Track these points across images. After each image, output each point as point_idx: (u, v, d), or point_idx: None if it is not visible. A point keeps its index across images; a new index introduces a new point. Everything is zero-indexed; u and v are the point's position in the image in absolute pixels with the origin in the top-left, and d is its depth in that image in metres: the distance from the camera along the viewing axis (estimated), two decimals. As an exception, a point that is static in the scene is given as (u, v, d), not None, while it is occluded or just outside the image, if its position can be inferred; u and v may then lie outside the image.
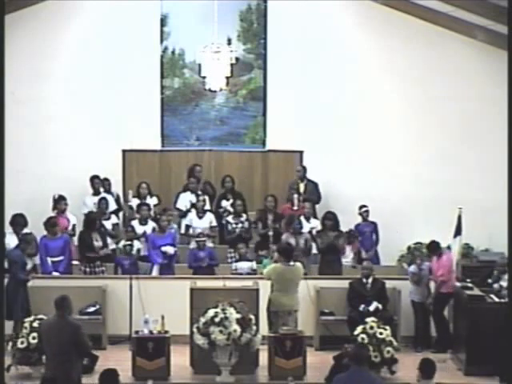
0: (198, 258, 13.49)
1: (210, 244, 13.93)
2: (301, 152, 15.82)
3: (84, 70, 15.53)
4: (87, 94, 15.55)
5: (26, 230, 13.27)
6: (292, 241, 13.42)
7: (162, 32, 15.82)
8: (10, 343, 11.26)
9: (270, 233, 14.15)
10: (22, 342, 11.20)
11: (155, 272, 13.47)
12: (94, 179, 14.86)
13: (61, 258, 13.25)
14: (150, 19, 15.65)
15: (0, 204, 11.76)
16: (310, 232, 13.96)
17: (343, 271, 13.67)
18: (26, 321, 11.45)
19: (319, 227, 14.15)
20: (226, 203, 14.82)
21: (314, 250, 13.94)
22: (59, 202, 14.23)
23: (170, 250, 13.45)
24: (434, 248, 12.75)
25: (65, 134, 15.59)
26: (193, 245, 14.09)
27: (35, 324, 11.28)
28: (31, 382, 10.88)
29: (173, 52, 15.98)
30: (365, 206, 14.55)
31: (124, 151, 15.73)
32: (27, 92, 15.36)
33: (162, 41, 15.85)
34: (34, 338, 11.14)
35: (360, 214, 14.55)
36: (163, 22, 15.83)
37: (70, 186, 14.77)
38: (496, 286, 12.29)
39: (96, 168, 15.02)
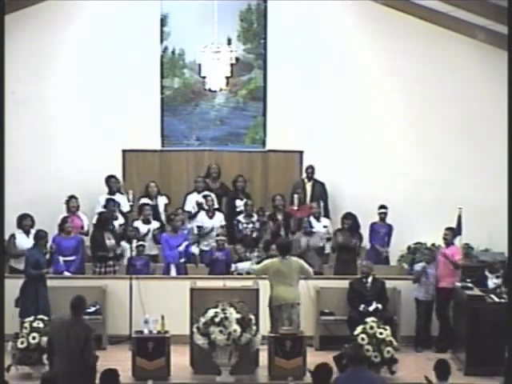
0: (215, 258, 13.55)
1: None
2: (301, 152, 15.82)
3: (84, 70, 15.52)
4: (87, 93, 15.54)
5: (32, 230, 13.28)
6: (304, 240, 13.54)
7: (162, 32, 15.81)
8: (10, 343, 11.27)
9: (281, 232, 14.19)
10: (22, 342, 11.20)
11: (173, 272, 13.47)
12: (110, 178, 14.83)
13: (73, 257, 13.30)
14: (150, 19, 15.64)
15: (0, 204, 11.80)
16: (327, 233, 14.02)
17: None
18: (26, 321, 11.46)
19: (330, 226, 14.19)
20: (240, 203, 14.84)
21: (327, 250, 14.11)
22: (70, 201, 14.23)
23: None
24: (455, 233, 12.80)
25: (65, 133, 15.58)
26: (203, 245, 14.17)
27: (35, 324, 11.29)
28: (31, 382, 10.89)
29: (173, 52, 15.97)
30: (384, 207, 14.47)
31: (124, 151, 15.73)
32: (27, 92, 15.35)
33: (162, 41, 15.84)
34: (33, 338, 11.15)
35: (378, 214, 14.49)
36: (163, 21, 15.82)
37: (69, 186, 14.76)
38: (491, 284, 12.31)
39: (96, 168, 15.02)
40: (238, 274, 13.30)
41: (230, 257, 13.69)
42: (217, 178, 15.23)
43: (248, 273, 13.20)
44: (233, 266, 13.51)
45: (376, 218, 14.56)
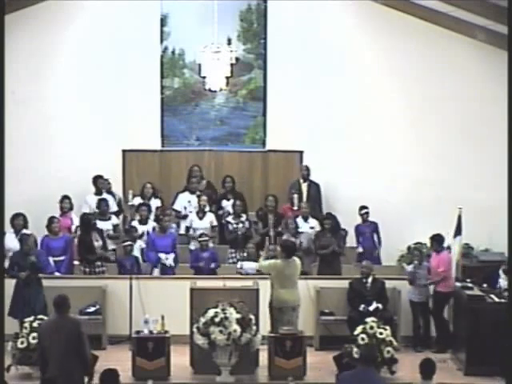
0: (201, 259, 13.50)
1: (210, 244, 13.91)
2: (301, 152, 15.81)
3: (84, 70, 15.52)
4: (87, 93, 15.54)
5: (25, 230, 13.25)
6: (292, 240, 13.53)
7: (162, 32, 15.81)
8: (10, 343, 11.27)
9: (271, 233, 14.17)
10: (22, 342, 11.20)
11: (156, 273, 13.47)
12: (98, 179, 14.83)
13: (62, 257, 13.29)
14: (150, 19, 15.64)
15: (0, 204, 11.80)
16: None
17: (343, 271, 13.71)
18: (26, 321, 11.46)
19: (318, 227, 14.20)
20: (226, 203, 14.84)
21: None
22: (62, 201, 14.25)
23: (166, 260, 13.54)
24: (439, 240, 12.75)
25: (65, 133, 15.58)
26: (193, 245, 14.12)
27: (35, 324, 11.29)
28: (31, 382, 10.88)
29: (173, 52, 15.97)
30: (365, 208, 14.53)
31: (124, 151, 15.73)
32: (27, 92, 15.35)
33: (162, 41, 15.85)
34: (33, 338, 11.13)
35: (360, 215, 14.55)
36: (163, 21, 15.82)
37: (69, 186, 14.77)
38: (502, 284, 12.31)
39: (96, 168, 15.00)
40: (244, 273, 13.26)
41: (217, 258, 13.62)
42: (200, 179, 15.17)
43: (253, 273, 13.17)
44: (239, 264, 13.49)
45: (375, 219, 14.58)
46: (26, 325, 11.38)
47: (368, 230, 14.54)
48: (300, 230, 14.14)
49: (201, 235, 13.73)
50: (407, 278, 12.83)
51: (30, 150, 15.41)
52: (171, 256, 13.60)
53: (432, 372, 8.69)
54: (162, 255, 13.54)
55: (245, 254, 13.79)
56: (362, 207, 14.55)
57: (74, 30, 15.57)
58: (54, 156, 15.50)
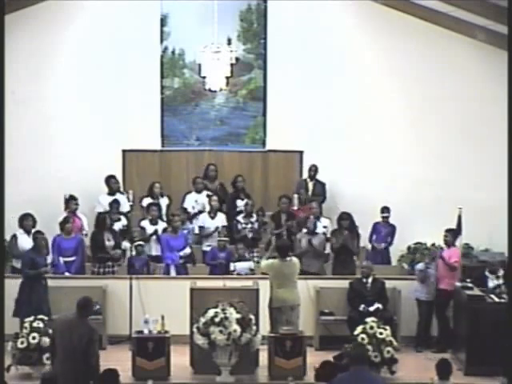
0: (217, 258, 13.60)
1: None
2: (301, 152, 15.83)
3: (84, 70, 15.53)
4: (87, 93, 15.54)
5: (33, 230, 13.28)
6: (305, 241, 13.52)
7: (162, 32, 15.82)
8: (10, 343, 11.27)
9: (284, 232, 14.17)
10: (22, 342, 11.20)
11: (173, 273, 13.48)
12: (111, 179, 14.82)
13: (73, 258, 13.27)
14: (150, 19, 15.65)
15: (0, 204, 11.81)
16: (324, 233, 13.96)
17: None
18: (26, 321, 11.45)
19: (329, 226, 14.19)
20: (241, 203, 14.84)
21: (328, 250, 13.99)
22: (70, 201, 14.23)
23: (187, 251, 13.66)
24: (454, 235, 12.83)
25: (65, 133, 15.58)
26: (205, 246, 14.21)
27: (35, 324, 11.29)
28: (31, 382, 10.89)
29: (173, 52, 15.97)
30: (387, 210, 14.41)
31: (124, 151, 15.74)
32: (27, 92, 15.35)
33: (162, 41, 15.85)
34: (33, 338, 11.15)
35: (381, 217, 14.47)
36: (163, 21, 15.82)
37: (69, 186, 14.76)
38: (491, 284, 12.33)
39: (96, 168, 15.02)
40: (237, 274, 13.29)
41: (231, 257, 13.69)
42: (215, 178, 15.24)
43: (246, 273, 13.20)
44: (231, 266, 13.52)
45: (375, 219, 14.57)
46: (26, 325, 11.38)
47: (384, 230, 14.52)
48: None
49: (220, 235, 13.87)
50: (417, 276, 12.82)
51: (30, 150, 15.42)
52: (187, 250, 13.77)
53: (449, 372, 8.71)
54: (181, 253, 13.64)
55: (253, 255, 13.81)
56: (384, 209, 14.45)
57: (74, 30, 15.58)
58: (54, 156, 15.50)
